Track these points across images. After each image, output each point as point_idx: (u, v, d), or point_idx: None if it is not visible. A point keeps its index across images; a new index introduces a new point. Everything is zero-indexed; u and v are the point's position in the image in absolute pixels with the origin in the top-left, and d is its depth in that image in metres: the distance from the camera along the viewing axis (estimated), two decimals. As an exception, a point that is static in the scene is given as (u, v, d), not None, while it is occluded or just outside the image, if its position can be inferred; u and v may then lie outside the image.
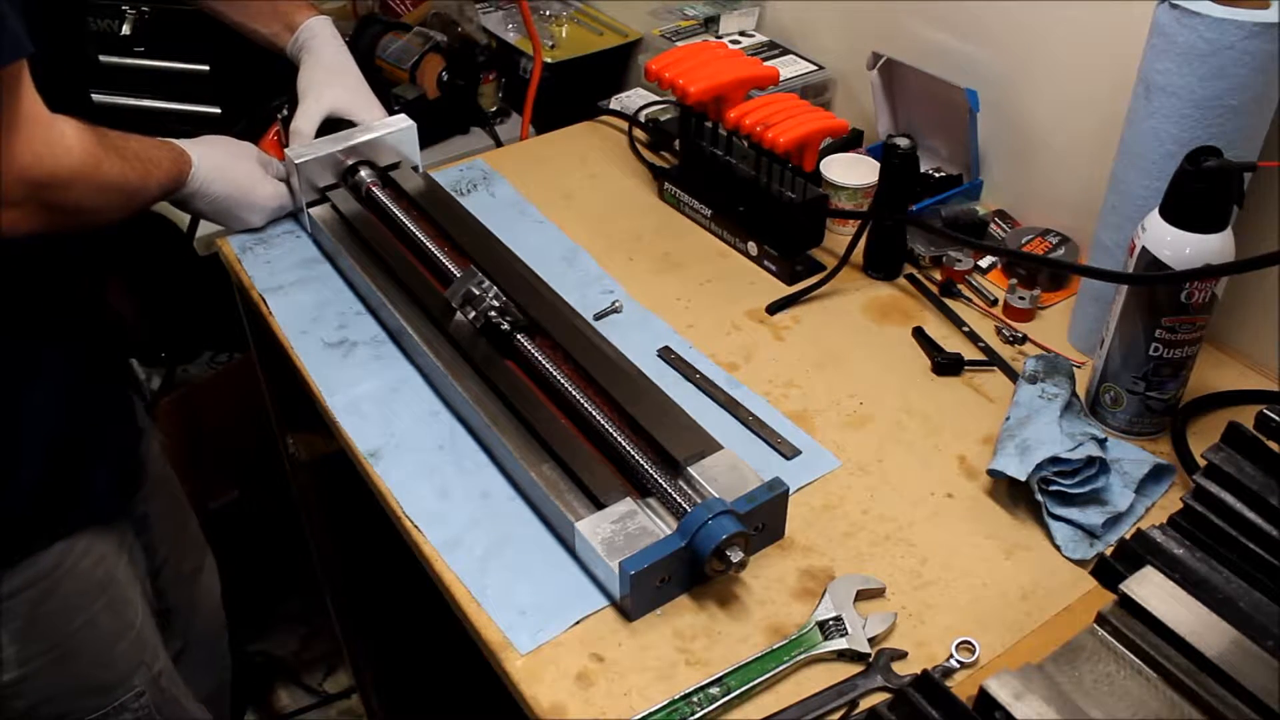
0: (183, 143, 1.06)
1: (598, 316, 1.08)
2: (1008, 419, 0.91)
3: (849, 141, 1.31)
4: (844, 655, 0.77)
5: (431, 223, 1.15)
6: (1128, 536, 0.73)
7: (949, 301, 1.11)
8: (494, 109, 1.63)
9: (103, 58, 1.50)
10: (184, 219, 1.32)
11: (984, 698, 0.62)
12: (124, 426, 1.14)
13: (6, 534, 0.99)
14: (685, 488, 0.84)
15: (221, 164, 1.09)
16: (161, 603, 1.24)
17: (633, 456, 0.87)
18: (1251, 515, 0.68)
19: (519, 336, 0.98)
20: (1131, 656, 0.65)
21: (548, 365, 0.95)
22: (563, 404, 0.93)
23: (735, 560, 0.77)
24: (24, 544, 1.01)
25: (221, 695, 1.43)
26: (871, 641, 0.77)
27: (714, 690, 0.74)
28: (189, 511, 1.36)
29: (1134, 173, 0.93)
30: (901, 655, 0.77)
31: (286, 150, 1.16)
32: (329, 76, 1.20)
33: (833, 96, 1.42)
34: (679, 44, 1.46)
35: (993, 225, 1.19)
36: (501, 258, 1.10)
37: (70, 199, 0.88)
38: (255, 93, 1.40)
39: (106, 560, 1.09)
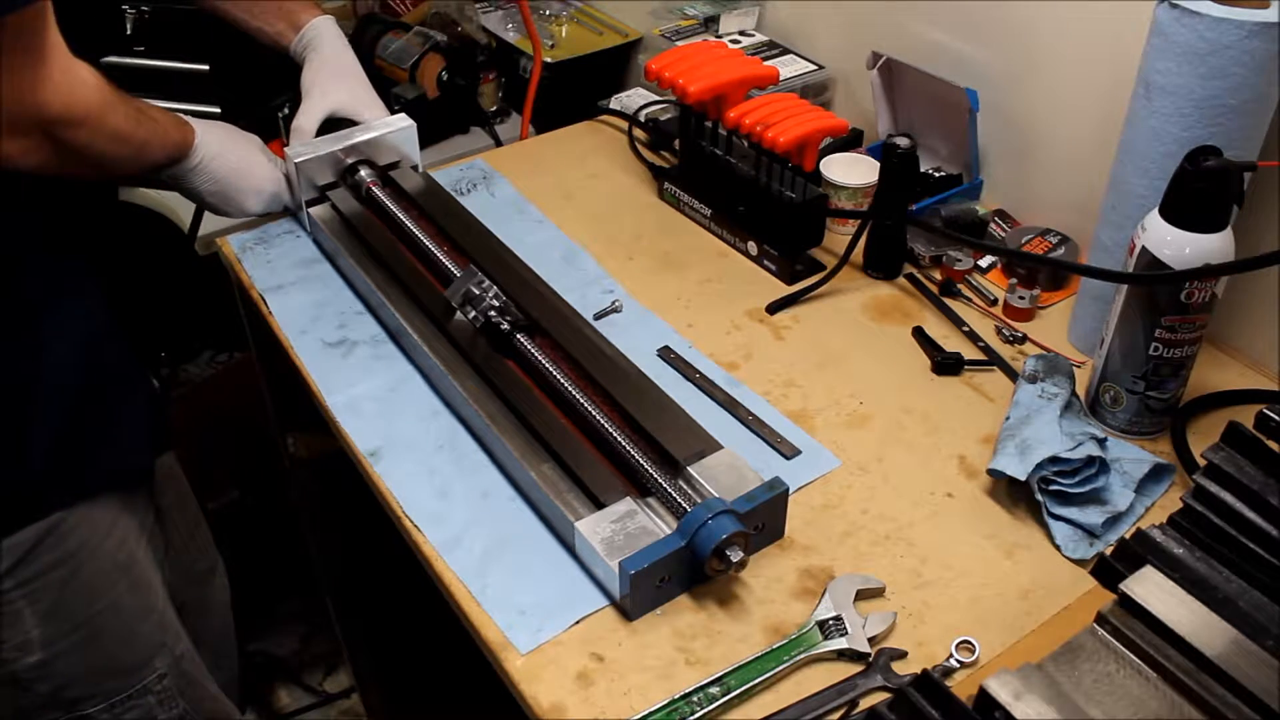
0: (188, 119, 1.07)
1: (598, 316, 1.08)
2: (1007, 418, 0.91)
3: (849, 141, 1.31)
4: (844, 655, 0.77)
5: (431, 222, 1.15)
6: (1127, 536, 0.72)
7: (949, 301, 1.11)
8: (494, 109, 1.63)
9: (102, 57, 1.50)
10: (184, 219, 1.32)
11: (984, 697, 0.62)
12: (142, 382, 1.15)
13: (32, 490, 1.00)
14: (685, 487, 0.84)
15: (224, 143, 1.10)
16: (173, 600, 1.25)
17: (633, 456, 0.87)
18: (1251, 515, 0.68)
19: (519, 336, 0.98)
20: (1131, 656, 0.65)
21: (548, 365, 0.95)
22: (563, 404, 0.93)
23: (735, 560, 0.77)
24: (49, 501, 1.01)
25: (227, 695, 1.43)
26: (871, 641, 0.77)
27: (714, 690, 0.74)
28: (200, 514, 1.36)
29: (1134, 173, 0.93)
30: (901, 655, 0.77)
31: (286, 148, 1.16)
32: (334, 76, 1.20)
33: (833, 96, 1.42)
34: (679, 43, 1.46)
35: (993, 225, 1.19)
36: (501, 257, 1.10)
37: (80, 139, 0.90)
38: (255, 92, 1.41)
39: (128, 542, 1.10)
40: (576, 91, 1.57)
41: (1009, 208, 1.21)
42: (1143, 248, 0.86)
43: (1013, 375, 1.01)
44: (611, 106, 1.45)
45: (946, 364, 1.02)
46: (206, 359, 1.93)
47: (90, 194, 1.05)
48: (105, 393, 1.05)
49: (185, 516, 1.31)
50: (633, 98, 1.46)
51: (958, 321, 1.08)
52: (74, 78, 0.87)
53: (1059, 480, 0.85)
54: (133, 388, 1.11)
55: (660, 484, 0.84)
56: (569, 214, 1.25)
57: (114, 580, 1.09)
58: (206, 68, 1.51)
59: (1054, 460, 0.85)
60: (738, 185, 1.16)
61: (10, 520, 0.99)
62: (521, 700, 0.76)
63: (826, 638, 0.77)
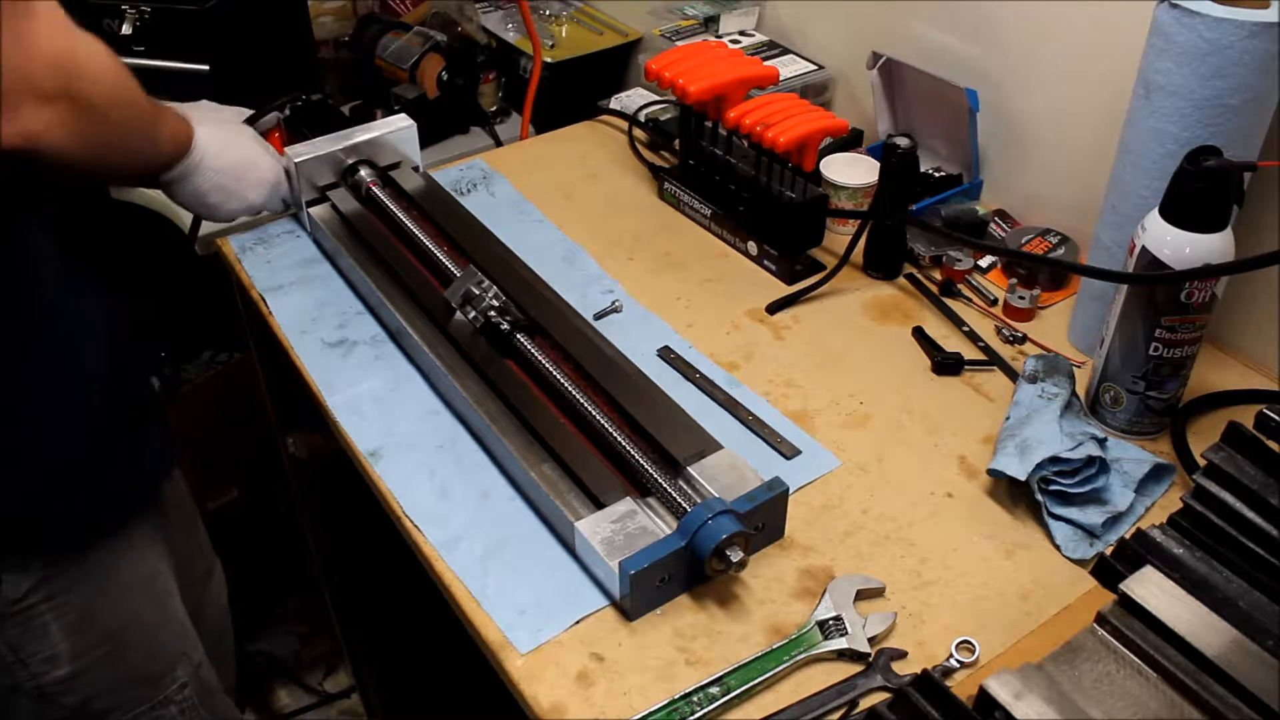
0: (179, 107, 1.04)
1: (598, 316, 1.08)
2: (1008, 418, 0.91)
3: (849, 141, 1.31)
4: (844, 655, 0.77)
5: (431, 222, 1.15)
6: (1127, 536, 0.73)
7: (949, 301, 1.11)
8: (494, 109, 1.63)
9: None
10: (184, 219, 1.31)
11: (984, 697, 0.62)
12: (154, 398, 1.13)
13: (57, 517, 0.98)
14: (685, 487, 0.84)
15: (222, 137, 1.07)
16: None
17: (633, 456, 0.87)
18: (1251, 515, 0.68)
19: (519, 336, 0.98)
20: (1131, 656, 0.65)
21: (548, 365, 0.95)
22: (563, 404, 0.93)
23: (735, 560, 0.77)
24: (76, 529, 1.00)
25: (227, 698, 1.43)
26: (871, 641, 0.77)
27: (714, 690, 0.74)
28: (197, 517, 1.36)
29: (1134, 173, 0.93)
30: (901, 655, 0.77)
31: (287, 148, 1.16)
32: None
33: (833, 96, 1.42)
34: (679, 44, 1.46)
35: (993, 225, 1.19)
36: (501, 257, 1.10)
37: (99, 94, 0.85)
38: (255, 92, 1.40)
39: (148, 553, 1.10)
40: (576, 91, 1.57)
41: (1009, 208, 1.21)
42: (1143, 248, 0.86)
43: (1013, 375, 1.01)
44: (611, 106, 1.45)
45: (946, 364, 1.02)
46: (206, 359, 1.93)
47: (87, 195, 1.03)
48: (126, 413, 1.02)
49: (185, 520, 1.31)
50: (633, 98, 1.46)
51: (958, 321, 1.08)
52: (81, 31, 0.83)
53: (1059, 480, 0.85)
54: (150, 405, 1.09)
55: (660, 484, 0.84)
56: (569, 214, 1.25)
57: (137, 592, 1.08)
58: (206, 68, 1.51)
59: (1054, 460, 0.85)
60: (738, 185, 1.16)
61: (34, 546, 0.98)
62: (521, 700, 0.76)
63: (826, 638, 0.77)
